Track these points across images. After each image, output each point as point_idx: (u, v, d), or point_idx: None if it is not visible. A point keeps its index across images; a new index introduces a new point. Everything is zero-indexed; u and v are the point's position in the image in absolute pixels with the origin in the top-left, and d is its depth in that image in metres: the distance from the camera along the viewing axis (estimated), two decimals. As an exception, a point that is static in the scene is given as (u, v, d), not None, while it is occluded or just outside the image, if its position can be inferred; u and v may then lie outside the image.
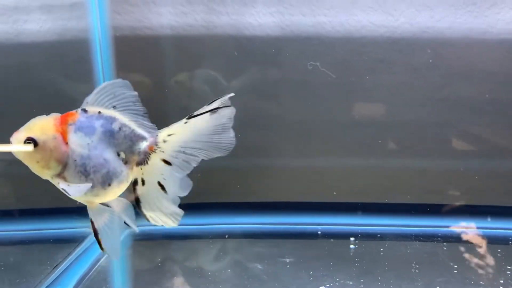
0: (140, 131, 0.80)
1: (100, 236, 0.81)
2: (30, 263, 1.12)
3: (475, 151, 1.48)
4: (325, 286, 1.05)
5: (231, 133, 0.81)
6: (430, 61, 1.40)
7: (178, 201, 0.85)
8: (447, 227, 1.43)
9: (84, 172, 0.77)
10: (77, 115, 0.77)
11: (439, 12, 1.38)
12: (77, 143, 0.76)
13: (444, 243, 1.32)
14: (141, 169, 0.81)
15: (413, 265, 1.17)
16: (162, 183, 0.82)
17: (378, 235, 1.37)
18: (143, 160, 0.81)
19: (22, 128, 0.76)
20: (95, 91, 0.78)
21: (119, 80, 0.79)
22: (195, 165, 0.82)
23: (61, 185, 0.76)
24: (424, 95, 1.43)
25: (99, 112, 0.78)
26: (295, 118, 1.46)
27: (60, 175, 0.77)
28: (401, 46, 1.40)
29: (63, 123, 0.76)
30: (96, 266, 1.19)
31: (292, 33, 1.41)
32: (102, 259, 1.23)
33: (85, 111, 0.78)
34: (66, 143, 0.76)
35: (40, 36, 1.30)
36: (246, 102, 1.46)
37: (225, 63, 1.44)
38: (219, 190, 1.51)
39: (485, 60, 1.39)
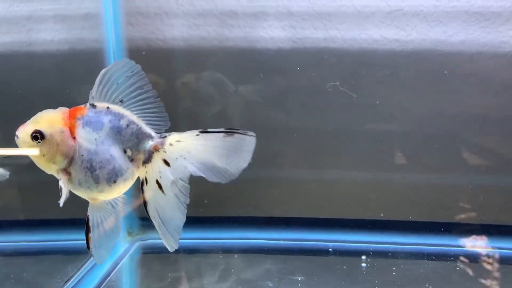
0: (148, 129, 0.80)
1: (90, 234, 0.80)
2: (40, 276, 1.10)
3: (487, 167, 1.46)
4: (337, 306, 1.04)
5: (240, 166, 0.80)
6: (443, 76, 1.39)
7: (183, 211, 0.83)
8: (460, 246, 1.41)
9: (90, 168, 0.76)
10: (85, 110, 0.77)
11: (452, 27, 1.38)
12: (85, 137, 0.76)
13: (457, 263, 1.30)
14: (145, 167, 0.81)
15: (427, 285, 1.16)
16: (159, 181, 0.81)
17: (390, 253, 1.36)
18: (147, 159, 0.80)
19: (29, 121, 0.75)
20: (96, 83, 0.77)
21: (116, 65, 0.77)
22: (191, 174, 0.81)
23: (60, 182, 0.75)
24: (435, 110, 1.42)
25: (108, 108, 0.77)
26: (305, 130, 1.46)
27: (65, 169, 0.76)
28: (413, 61, 1.40)
29: (72, 117, 0.76)
30: (106, 281, 1.18)
31: (304, 47, 1.42)
32: (112, 274, 1.23)
33: (93, 106, 0.77)
34: (74, 138, 0.76)
35: (53, 46, 1.31)
36: (257, 114, 1.46)
37: (237, 75, 1.44)
38: (228, 203, 1.50)
39: (498, 75, 1.38)
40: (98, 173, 0.77)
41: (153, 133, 0.80)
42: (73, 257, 1.26)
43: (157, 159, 0.80)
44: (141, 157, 0.80)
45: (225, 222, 1.50)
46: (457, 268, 1.26)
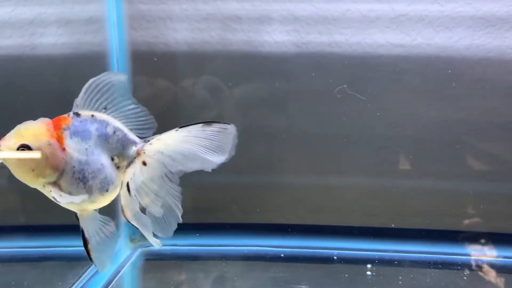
0: (132, 135, 0.79)
1: (89, 245, 0.78)
2: (41, 282, 1.09)
3: (493, 173, 1.44)
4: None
5: (224, 155, 0.78)
6: (448, 82, 1.38)
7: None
8: (467, 254, 1.39)
9: (83, 179, 0.74)
10: (69, 119, 0.74)
11: (457, 33, 1.37)
12: (75, 148, 0.74)
13: (464, 271, 1.29)
14: (125, 172, 0.79)
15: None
16: (129, 184, 0.79)
17: (396, 262, 1.34)
18: (129, 164, 0.79)
19: (10, 135, 0.71)
20: (83, 91, 0.75)
21: (105, 75, 0.76)
22: (171, 170, 0.79)
23: (53, 193, 0.72)
24: (440, 115, 1.41)
25: (92, 116, 0.75)
26: (309, 136, 1.45)
27: (55, 183, 0.73)
28: (418, 66, 1.39)
29: (57, 128, 0.73)
30: (110, 285, 1.17)
31: (308, 52, 1.41)
32: (114, 281, 1.21)
33: (77, 114, 0.75)
34: (63, 149, 0.73)
35: (56, 50, 1.30)
36: (260, 119, 1.44)
37: (240, 80, 1.43)
38: (231, 210, 1.49)
39: (503, 81, 1.37)
40: (91, 184, 0.75)
41: (137, 139, 0.79)
42: (74, 263, 1.24)
43: (137, 162, 0.78)
44: (125, 164, 0.79)
45: (228, 229, 1.48)
46: (464, 277, 1.25)
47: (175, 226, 0.83)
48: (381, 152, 1.43)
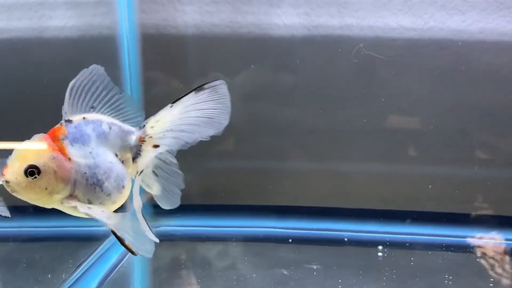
0: (127, 126, 0.77)
1: (127, 242, 0.75)
2: (52, 261, 1.10)
3: (504, 160, 1.43)
4: (355, 295, 1.02)
5: (226, 113, 0.77)
6: (461, 66, 1.36)
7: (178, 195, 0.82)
8: (478, 238, 1.38)
9: (98, 182, 0.72)
10: (64, 128, 0.72)
11: (471, 16, 1.34)
12: (79, 154, 0.72)
13: (477, 254, 1.28)
14: (136, 163, 0.78)
15: (446, 276, 1.13)
16: (155, 171, 0.79)
17: (407, 244, 1.33)
18: (136, 154, 0.78)
19: (13, 160, 0.69)
20: (66, 97, 0.72)
21: (82, 74, 0.73)
22: (187, 141, 0.78)
23: (81, 209, 0.70)
24: (452, 101, 1.39)
25: (84, 118, 0.74)
26: (319, 121, 1.43)
27: (71, 195, 0.71)
28: (430, 50, 1.37)
29: (55, 140, 0.71)
30: (118, 267, 1.17)
31: (319, 35, 1.39)
32: (124, 259, 1.21)
33: (69, 121, 0.73)
34: (69, 159, 0.71)
35: (65, 32, 1.30)
36: (269, 103, 1.44)
37: (249, 63, 1.42)
38: (242, 192, 1.49)
39: (518, 66, 1.35)
40: (107, 185, 0.73)
41: (132, 128, 0.78)
42: (85, 243, 1.25)
43: (147, 149, 0.77)
44: (129, 156, 0.78)
45: (240, 211, 1.48)
46: (477, 260, 1.24)
47: (180, 193, 0.83)
48: (393, 138, 1.42)
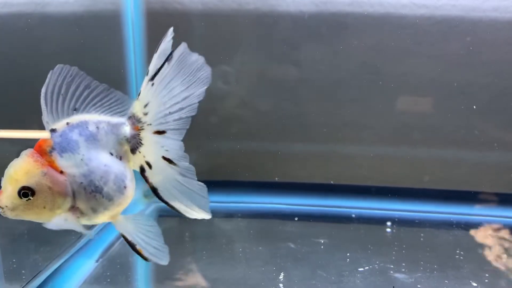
0: (116, 119, 0.72)
1: (138, 247, 0.73)
2: (54, 233, 1.08)
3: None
4: (363, 268, 1.00)
5: (199, 60, 0.72)
6: (474, 45, 1.32)
7: (193, 171, 0.75)
8: (488, 215, 1.35)
9: (97, 189, 0.69)
10: (49, 140, 0.69)
11: (484, -7, 1.30)
12: (71, 164, 0.68)
13: (488, 231, 1.25)
14: (140, 153, 0.73)
15: (458, 251, 1.11)
16: (166, 156, 0.73)
17: (417, 221, 1.31)
18: (136, 144, 0.73)
19: (4, 185, 0.67)
20: (43, 105, 0.68)
21: (51, 77, 0.68)
22: (188, 115, 0.74)
23: (82, 221, 0.69)
24: (464, 81, 1.35)
25: (68, 123, 0.69)
26: (327, 101, 1.41)
27: (73, 207, 0.69)
28: (442, 28, 1.33)
29: (43, 154, 0.68)
30: (121, 239, 1.14)
31: (328, 11, 1.35)
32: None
33: (54, 130, 0.69)
34: (61, 172, 0.68)
35: (68, 7, 1.27)
36: (280, 82, 1.41)
37: (257, 41, 1.39)
38: (250, 169, 1.46)
39: (533, 46, 1.31)
40: (107, 190, 0.70)
41: (122, 119, 0.72)
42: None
43: (147, 136, 0.73)
44: (127, 148, 0.73)
45: (247, 186, 1.46)
46: (488, 237, 1.21)
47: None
48: (401, 118, 1.39)
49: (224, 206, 1.39)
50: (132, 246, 0.73)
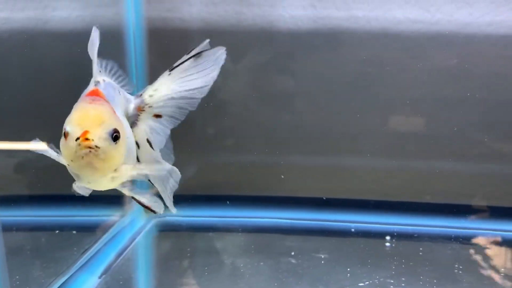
0: (127, 94, 0.77)
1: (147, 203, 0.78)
2: (58, 249, 1.09)
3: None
4: (364, 283, 1.01)
5: (217, 68, 0.77)
6: (469, 59, 1.35)
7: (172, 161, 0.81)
8: (487, 229, 1.36)
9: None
10: (98, 89, 0.70)
11: (479, 8, 1.33)
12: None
13: (486, 246, 1.27)
14: (132, 131, 0.77)
15: (456, 265, 1.13)
16: (149, 139, 0.78)
17: (415, 235, 1.32)
18: (133, 123, 0.77)
19: (89, 124, 0.61)
20: (95, 57, 0.72)
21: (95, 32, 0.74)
22: (188, 108, 0.78)
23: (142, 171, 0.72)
24: (460, 95, 1.37)
25: (104, 80, 0.73)
26: (325, 115, 1.42)
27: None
28: (437, 43, 1.36)
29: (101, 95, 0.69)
30: (123, 255, 1.17)
31: (325, 27, 1.38)
32: (129, 248, 1.21)
33: (98, 82, 0.72)
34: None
35: (70, 24, 1.29)
36: (276, 95, 1.42)
37: (255, 56, 1.41)
38: (249, 183, 1.47)
39: (527, 60, 1.34)
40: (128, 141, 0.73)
41: (131, 97, 0.77)
42: (90, 232, 1.25)
43: (145, 119, 0.77)
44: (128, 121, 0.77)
45: (246, 201, 1.47)
46: (485, 250, 1.23)
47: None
48: (399, 132, 1.41)
49: (224, 220, 1.40)
50: (142, 204, 0.79)
